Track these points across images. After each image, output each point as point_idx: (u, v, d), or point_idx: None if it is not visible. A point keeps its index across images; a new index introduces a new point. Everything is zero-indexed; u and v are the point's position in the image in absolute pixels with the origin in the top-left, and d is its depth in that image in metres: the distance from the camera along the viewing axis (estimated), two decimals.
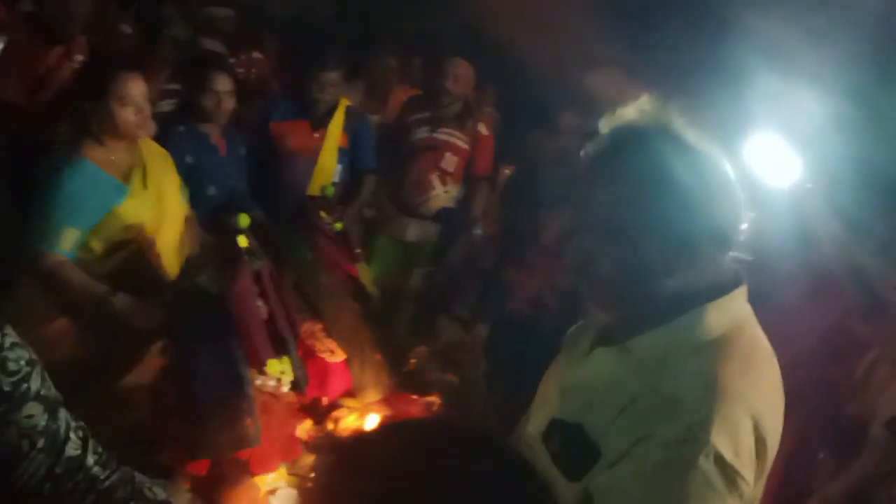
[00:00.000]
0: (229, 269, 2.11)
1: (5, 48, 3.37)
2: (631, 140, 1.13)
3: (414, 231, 3.79)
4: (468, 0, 6.07)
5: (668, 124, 1.12)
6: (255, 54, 4.41)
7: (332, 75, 3.28)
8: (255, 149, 3.37)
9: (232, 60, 4.08)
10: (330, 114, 3.39)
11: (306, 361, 2.48)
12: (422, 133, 3.70)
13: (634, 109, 1.15)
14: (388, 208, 3.79)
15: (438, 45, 5.42)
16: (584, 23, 4.95)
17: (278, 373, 2.17)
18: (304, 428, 2.36)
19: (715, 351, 1.08)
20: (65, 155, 2.23)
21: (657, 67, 4.47)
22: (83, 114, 2.26)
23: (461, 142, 3.72)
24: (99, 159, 2.25)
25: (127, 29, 4.31)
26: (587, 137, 3.56)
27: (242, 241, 2.13)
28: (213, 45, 3.55)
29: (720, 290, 1.12)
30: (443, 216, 3.79)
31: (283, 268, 2.56)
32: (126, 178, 2.31)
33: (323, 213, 2.59)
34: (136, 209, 2.28)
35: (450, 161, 3.69)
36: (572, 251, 1.16)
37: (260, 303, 2.18)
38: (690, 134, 1.11)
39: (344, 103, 3.46)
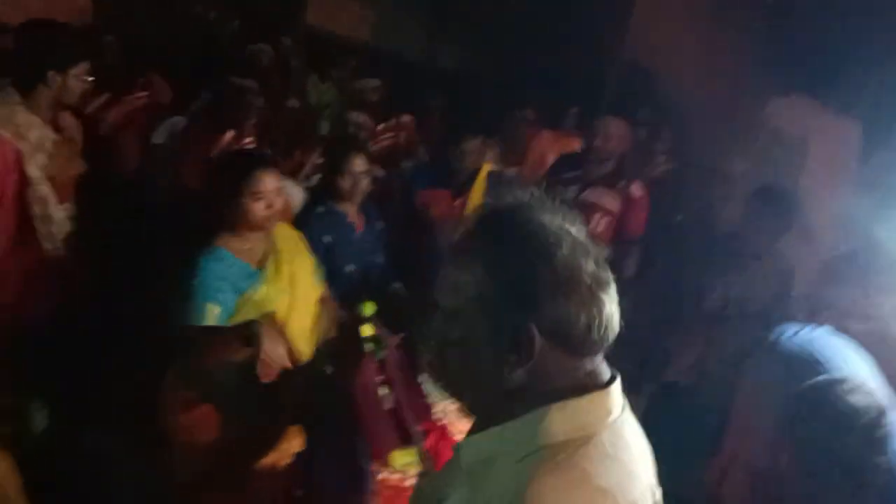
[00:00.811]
0: (353, 358, 2.10)
1: (184, 136, 3.68)
2: (481, 223, 1.04)
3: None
4: (631, 44, 5.92)
5: (525, 211, 1.01)
6: (404, 117, 4.51)
7: (472, 144, 3.27)
8: (400, 216, 3.43)
9: (380, 127, 4.21)
10: (471, 180, 3.37)
11: (441, 442, 2.42)
12: (569, 193, 3.55)
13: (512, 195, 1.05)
14: None
15: (599, 93, 5.30)
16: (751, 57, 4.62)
17: (402, 465, 2.12)
18: None
19: (544, 458, 0.94)
20: (202, 244, 2.35)
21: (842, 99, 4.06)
22: (219, 206, 2.37)
23: (611, 203, 3.52)
24: (234, 248, 2.35)
25: (294, 103, 4.62)
26: (759, 193, 3.24)
27: (366, 329, 2.12)
28: (358, 118, 3.67)
29: (572, 391, 0.98)
30: None
31: (417, 343, 2.54)
32: (260, 264, 2.39)
33: None
34: (269, 295, 2.35)
35: (599, 223, 3.49)
36: (424, 331, 1.08)
37: (385, 391, 2.15)
38: (547, 225, 1.00)
39: (486, 168, 3.42)
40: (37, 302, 2.62)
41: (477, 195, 3.39)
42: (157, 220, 3.16)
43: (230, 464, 2.25)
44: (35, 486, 2.44)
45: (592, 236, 3.22)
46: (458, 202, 3.38)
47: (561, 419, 0.97)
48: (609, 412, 1.00)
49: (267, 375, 2.17)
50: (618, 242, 3.56)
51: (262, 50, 4.53)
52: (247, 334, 2.15)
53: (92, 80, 2.69)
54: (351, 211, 2.98)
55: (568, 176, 3.58)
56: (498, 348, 0.97)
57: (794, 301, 3.12)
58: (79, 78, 2.60)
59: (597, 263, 1.01)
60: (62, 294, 2.74)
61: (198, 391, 2.30)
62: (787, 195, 3.26)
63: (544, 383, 0.99)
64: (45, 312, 2.67)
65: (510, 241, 0.99)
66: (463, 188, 3.39)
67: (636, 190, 3.55)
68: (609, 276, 1.02)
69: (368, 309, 2.19)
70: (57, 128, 2.67)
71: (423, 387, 2.49)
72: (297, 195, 3.14)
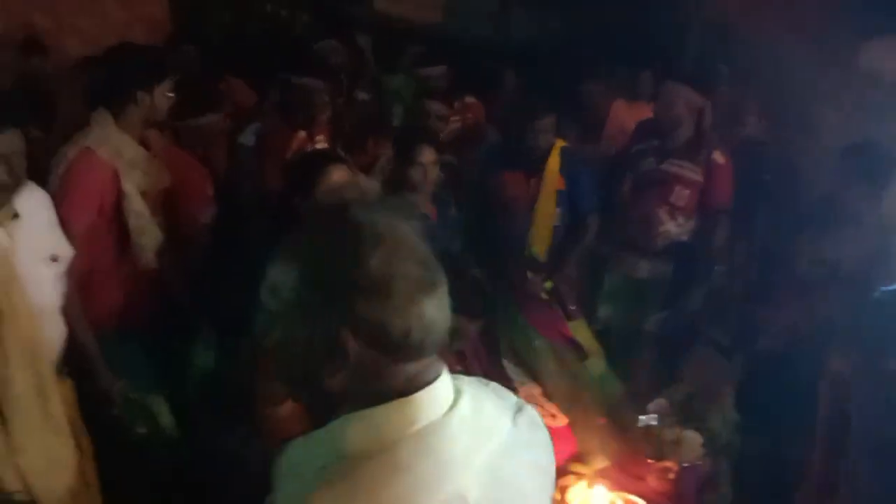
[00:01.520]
0: None
1: (261, 137, 3.79)
2: (311, 216, 1.04)
3: (645, 268, 3.56)
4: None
5: (344, 211, 0.96)
6: (469, 99, 4.48)
7: (545, 122, 3.23)
8: (475, 202, 3.44)
9: (449, 111, 4.19)
10: (545, 158, 3.33)
11: None
12: (648, 164, 3.46)
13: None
14: (616, 245, 3.61)
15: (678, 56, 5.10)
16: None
17: None
18: None
19: (336, 470, 0.91)
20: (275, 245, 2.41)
21: None
22: (293, 206, 2.43)
23: (692, 173, 3.39)
24: None
25: (364, 96, 4.67)
26: (850, 151, 3.08)
27: None
28: (434, 106, 3.68)
29: (385, 398, 0.93)
30: (675, 250, 3.50)
31: (497, 329, 2.56)
32: None
33: (530, 274, 2.52)
34: None
35: (680, 195, 3.38)
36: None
37: None
38: (367, 225, 0.93)
39: (559, 145, 3.37)
40: (138, 309, 2.78)
41: (552, 173, 3.35)
42: (246, 222, 3.28)
43: None
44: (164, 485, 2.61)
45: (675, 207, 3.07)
46: (532, 182, 3.35)
47: (360, 428, 0.94)
48: (413, 421, 0.95)
49: None
50: (705, 213, 3.46)
51: (331, 45, 4.59)
52: None
53: (174, 95, 2.81)
54: (424, 201, 3.01)
55: (646, 146, 3.49)
56: (315, 352, 0.94)
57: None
58: (164, 95, 2.73)
59: (424, 266, 0.95)
60: (159, 301, 2.91)
61: (285, 387, 2.38)
62: (881, 151, 3.07)
63: (364, 388, 0.95)
64: (145, 318, 2.84)
65: (324, 242, 0.96)
66: (537, 167, 3.35)
67: (718, 157, 3.41)
68: (437, 278, 0.97)
69: None
70: (146, 145, 2.80)
71: (506, 371, 2.51)
72: (374, 186, 3.19)
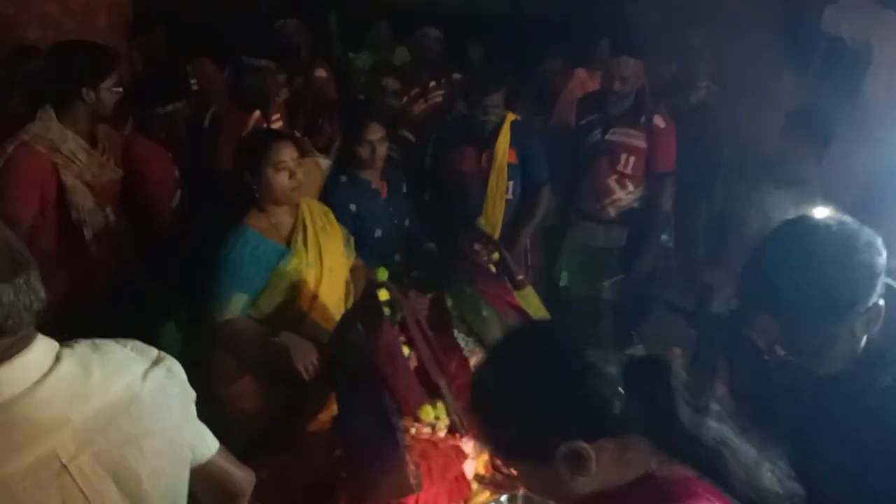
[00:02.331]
0: (373, 322, 2.18)
1: (215, 118, 3.80)
2: None
3: (599, 236, 3.63)
4: None
5: None
6: (456, 75, 4.47)
7: (495, 97, 3.25)
8: (428, 175, 3.48)
9: (432, 83, 4.19)
10: (496, 133, 3.36)
11: None
12: (594, 137, 3.53)
13: None
14: (571, 215, 3.67)
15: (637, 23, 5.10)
16: None
17: (432, 418, 2.20)
18: (482, 461, 2.38)
19: None
20: (231, 225, 2.47)
21: None
22: (246, 184, 2.48)
23: (636, 140, 3.47)
24: (262, 226, 2.47)
25: (321, 73, 4.66)
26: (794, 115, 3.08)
27: (383, 294, 2.19)
28: (387, 82, 3.69)
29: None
30: (627, 218, 3.59)
31: (447, 299, 2.61)
32: (287, 240, 2.50)
33: (478, 246, 2.58)
34: (297, 269, 2.47)
35: (626, 162, 3.46)
36: None
37: (408, 351, 2.23)
38: None
39: (509, 119, 3.40)
40: (86, 292, 2.82)
41: (503, 147, 3.38)
42: (197, 203, 3.31)
43: (275, 431, 2.40)
44: None
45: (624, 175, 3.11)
46: (484, 156, 3.38)
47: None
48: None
49: (305, 374, 2.33)
50: (651, 178, 3.52)
51: (291, 24, 4.57)
52: (275, 349, 2.31)
53: (121, 90, 2.84)
54: (374, 178, 3.05)
55: (591, 119, 3.55)
56: None
57: None
58: (110, 90, 2.76)
59: (4, 255, 1.07)
60: (116, 285, 2.95)
61: (238, 365, 2.46)
62: (821, 115, 3.14)
63: None
64: (101, 302, 2.89)
65: None
66: (488, 141, 3.38)
67: (659, 121, 3.49)
68: (21, 265, 1.09)
69: (382, 274, 2.27)
70: (94, 138, 2.84)
71: (457, 340, 2.57)
72: (325, 166, 3.22)
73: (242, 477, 1.54)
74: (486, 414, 1.15)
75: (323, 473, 2.31)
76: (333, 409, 2.44)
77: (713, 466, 1.06)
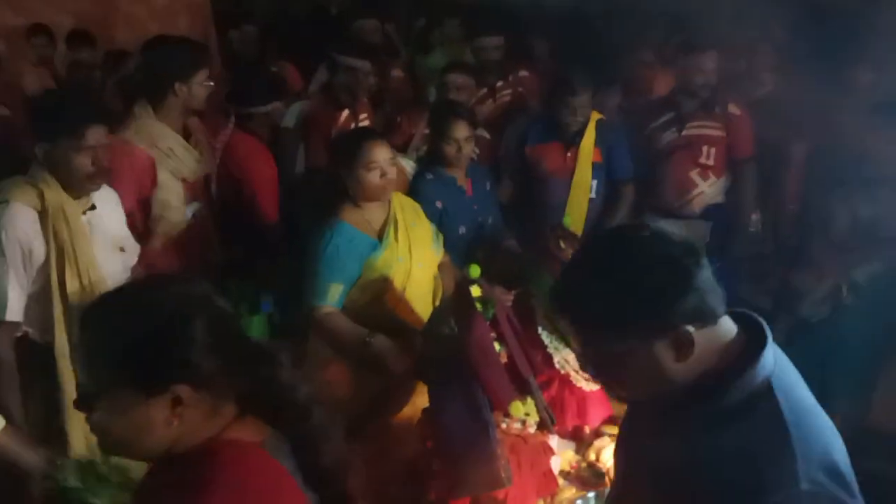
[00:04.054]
0: (466, 318, 2.22)
1: (306, 117, 3.89)
2: None
3: (682, 233, 3.58)
4: None
5: None
6: (522, 72, 4.49)
7: (582, 99, 3.26)
8: (513, 172, 3.50)
9: (500, 83, 4.22)
10: (582, 132, 3.37)
11: (564, 391, 2.52)
12: (670, 135, 3.53)
13: None
14: (653, 212, 3.65)
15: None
16: None
17: (522, 414, 2.23)
18: (566, 459, 2.40)
19: None
20: (328, 218, 2.54)
21: None
22: (340, 180, 2.55)
23: (715, 130, 3.49)
24: (355, 220, 2.54)
25: (398, 72, 4.73)
26: (884, 106, 3.03)
27: (475, 291, 2.24)
28: (456, 80, 3.73)
29: None
30: (711, 213, 3.57)
31: (532, 297, 2.64)
32: (379, 234, 2.57)
33: (562, 244, 2.59)
34: (388, 262, 2.53)
35: (708, 154, 3.48)
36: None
37: (499, 347, 2.26)
38: None
39: (594, 118, 3.41)
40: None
41: (588, 146, 3.38)
42: (290, 200, 3.40)
43: (366, 418, 2.46)
44: None
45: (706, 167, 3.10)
46: (569, 154, 3.39)
47: None
48: None
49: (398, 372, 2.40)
50: (733, 166, 3.55)
51: (369, 24, 4.64)
52: (370, 351, 2.38)
53: (212, 84, 2.93)
54: (459, 175, 3.09)
55: (665, 119, 3.55)
56: None
57: None
58: (202, 84, 2.85)
59: None
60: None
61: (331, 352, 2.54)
62: None
63: None
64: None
65: None
66: (574, 139, 3.39)
67: (734, 109, 3.52)
68: None
69: (474, 272, 2.31)
70: (187, 132, 2.94)
71: (541, 338, 2.59)
72: (408, 166, 3.27)
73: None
74: (611, 295, 1.16)
75: (414, 464, 2.36)
76: (419, 400, 2.51)
77: None
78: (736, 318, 1.24)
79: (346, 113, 3.82)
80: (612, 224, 3.46)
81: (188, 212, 2.96)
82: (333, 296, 2.48)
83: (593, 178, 3.40)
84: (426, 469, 2.31)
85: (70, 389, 2.22)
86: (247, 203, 3.14)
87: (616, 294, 1.14)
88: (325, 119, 3.78)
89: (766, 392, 1.15)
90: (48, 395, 2.26)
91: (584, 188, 3.39)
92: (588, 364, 1.23)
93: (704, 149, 3.49)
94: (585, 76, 3.33)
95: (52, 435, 2.28)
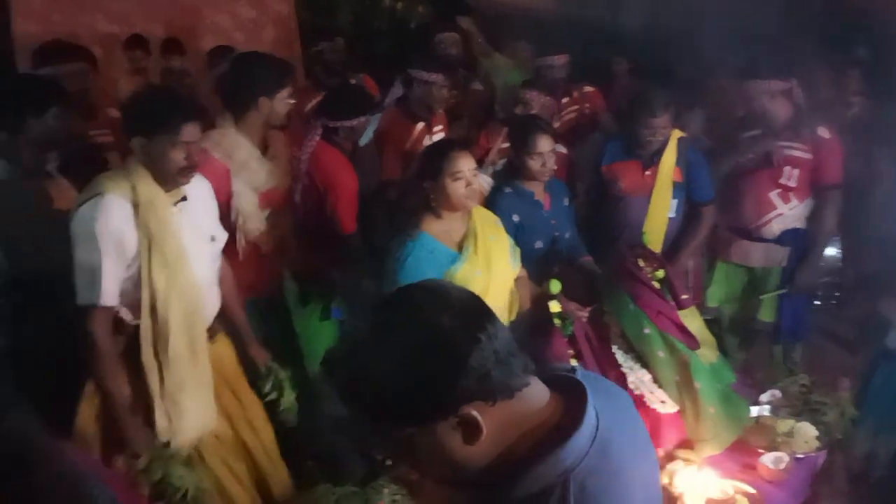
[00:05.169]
0: (544, 333, 2.22)
1: (381, 130, 3.97)
2: None
3: (758, 256, 3.52)
4: None
5: None
6: (587, 88, 4.48)
7: (662, 119, 3.21)
8: (588, 190, 3.48)
9: (565, 99, 4.22)
10: (661, 150, 3.33)
11: (638, 411, 2.49)
12: (757, 150, 3.43)
13: None
14: (727, 233, 3.58)
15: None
16: None
17: None
18: None
19: None
20: (409, 229, 2.58)
21: None
22: (424, 191, 2.59)
23: (801, 152, 3.36)
24: (436, 231, 2.57)
25: (477, 86, 4.78)
26: None
27: (554, 306, 2.23)
28: (531, 95, 3.74)
29: None
30: (790, 238, 3.47)
31: (606, 315, 2.62)
32: (459, 246, 2.60)
33: (642, 262, 2.56)
34: (467, 275, 2.55)
35: (790, 175, 3.36)
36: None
37: (575, 363, 2.26)
38: None
39: (675, 136, 3.36)
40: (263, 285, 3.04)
41: (668, 165, 3.33)
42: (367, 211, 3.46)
43: None
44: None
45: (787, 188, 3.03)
46: (648, 173, 3.35)
47: None
48: None
49: None
50: (817, 192, 3.43)
51: (450, 37, 4.70)
52: None
53: (294, 101, 3.01)
54: (538, 189, 3.10)
55: (752, 134, 3.46)
56: None
57: None
58: (284, 101, 2.93)
59: None
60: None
61: None
62: None
63: None
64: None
65: None
66: (653, 158, 3.34)
67: (824, 132, 3.37)
68: None
69: (554, 287, 2.30)
70: (265, 146, 3.02)
71: (616, 357, 2.57)
72: (485, 180, 3.30)
73: None
74: (373, 378, 1.03)
75: None
76: None
77: None
78: (556, 382, 1.11)
79: (420, 125, 3.88)
80: (689, 244, 3.41)
81: (262, 216, 3.03)
82: None
83: (673, 197, 3.34)
84: None
85: (153, 375, 2.32)
86: (328, 213, 3.20)
87: (383, 380, 1.02)
88: (399, 132, 3.85)
89: (561, 487, 1.01)
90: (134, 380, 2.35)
91: (663, 207, 3.34)
92: (381, 446, 1.13)
93: (787, 170, 3.37)
94: (666, 97, 3.28)
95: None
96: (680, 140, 3.37)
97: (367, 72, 4.80)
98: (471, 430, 1.01)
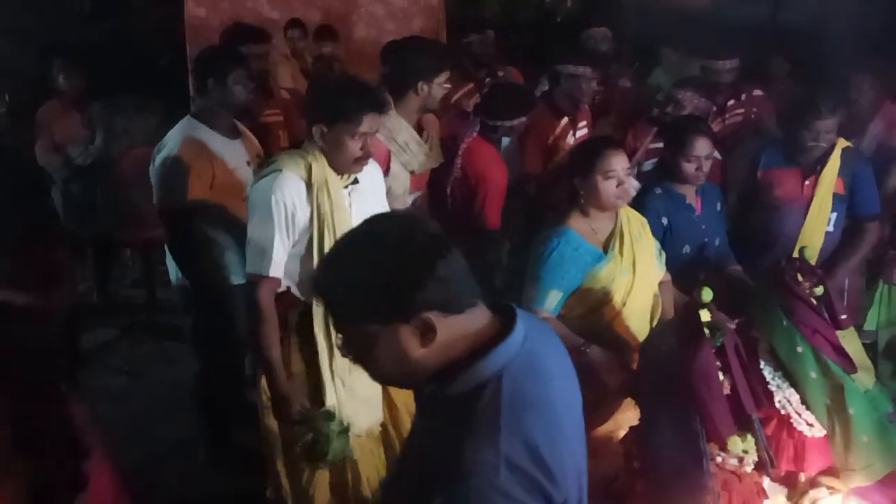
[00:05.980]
0: (691, 341, 2.15)
1: (525, 125, 3.96)
2: None
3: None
4: None
5: None
6: (756, 92, 4.27)
7: (828, 122, 3.01)
8: (743, 196, 3.33)
9: (731, 102, 4.04)
10: (824, 159, 3.13)
11: (782, 432, 2.37)
12: None
13: None
14: (893, 252, 3.33)
15: None
16: None
17: (740, 451, 2.13)
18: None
19: None
20: (555, 225, 2.57)
21: None
22: (573, 187, 2.57)
23: None
24: (582, 229, 2.54)
25: (626, 83, 4.68)
26: None
27: (705, 315, 2.15)
28: (685, 96, 3.61)
29: None
30: None
31: (755, 329, 2.50)
32: (604, 245, 2.56)
33: (800, 277, 2.42)
34: (611, 275, 2.52)
35: None
36: None
37: (722, 377, 2.17)
38: None
39: (840, 145, 3.15)
40: None
41: (831, 175, 3.12)
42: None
43: None
44: None
45: None
46: (808, 182, 3.16)
47: None
48: None
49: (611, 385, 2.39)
50: None
51: (599, 32, 4.64)
52: (585, 360, 2.39)
53: (449, 86, 3.06)
54: (690, 192, 2.99)
55: None
56: None
57: None
58: (441, 86, 2.99)
59: None
60: None
61: None
62: None
63: None
64: None
65: None
66: (815, 167, 3.15)
67: None
68: None
69: (706, 295, 2.21)
70: (420, 128, 3.09)
71: (764, 374, 2.46)
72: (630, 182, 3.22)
73: None
74: (352, 278, 1.21)
75: (612, 480, 2.34)
76: (621, 417, 2.48)
77: None
78: (501, 309, 1.29)
79: (564, 121, 3.84)
80: (848, 261, 3.20)
81: (409, 200, 3.11)
82: (552, 302, 2.50)
83: (833, 209, 3.14)
84: (627, 488, 2.28)
85: (323, 344, 2.42)
86: (477, 207, 3.24)
87: (359, 279, 1.20)
88: (543, 127, 3.82)
89: (495, 382, 1.18)
90: (305, 349, 2.47)
91: (821, 220, 3.14)
92: (343, 344, 1.27)
93: None
94: (834, 99, 3.08)
95: (308, 388, 2.50)
96: (845, 150, 3.16)
97: (514, 65, 4.81)
98: (427, 333, 1.18)
